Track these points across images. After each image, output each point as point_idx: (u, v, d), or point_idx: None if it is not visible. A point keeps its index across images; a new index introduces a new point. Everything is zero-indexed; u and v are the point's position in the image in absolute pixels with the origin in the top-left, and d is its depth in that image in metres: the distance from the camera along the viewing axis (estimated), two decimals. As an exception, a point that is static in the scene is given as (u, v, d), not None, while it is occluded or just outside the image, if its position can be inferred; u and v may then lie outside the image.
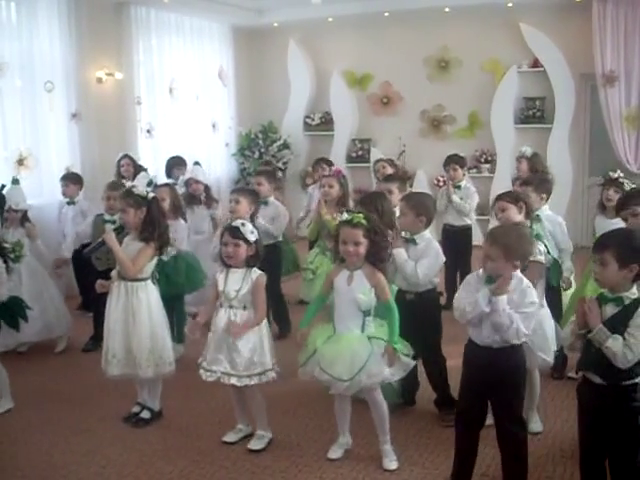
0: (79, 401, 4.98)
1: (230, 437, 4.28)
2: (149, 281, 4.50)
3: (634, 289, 3.09)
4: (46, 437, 4.42)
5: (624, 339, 2.97)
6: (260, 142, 10.99)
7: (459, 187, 7.00)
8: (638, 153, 9.25)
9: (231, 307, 4.06)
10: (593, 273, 3.22)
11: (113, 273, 4.51)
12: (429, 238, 4.43)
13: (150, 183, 6.26)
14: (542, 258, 4.13)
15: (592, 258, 3.18)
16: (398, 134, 10.53)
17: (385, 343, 3.80)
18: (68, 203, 6.92)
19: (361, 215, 3.88)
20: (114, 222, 5.65)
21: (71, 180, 6.93)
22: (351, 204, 5.91)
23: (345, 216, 3.90)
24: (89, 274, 6.08)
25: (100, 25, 8.39)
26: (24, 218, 5.94)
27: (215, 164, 10.63)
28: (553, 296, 4.49)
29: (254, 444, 4.18)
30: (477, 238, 7.52)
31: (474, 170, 10.03)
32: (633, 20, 8.94)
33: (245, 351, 4.01)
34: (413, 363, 3.96)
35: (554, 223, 5.07)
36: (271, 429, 4.27)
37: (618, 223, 4.61)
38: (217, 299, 4.12)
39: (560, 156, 9.56)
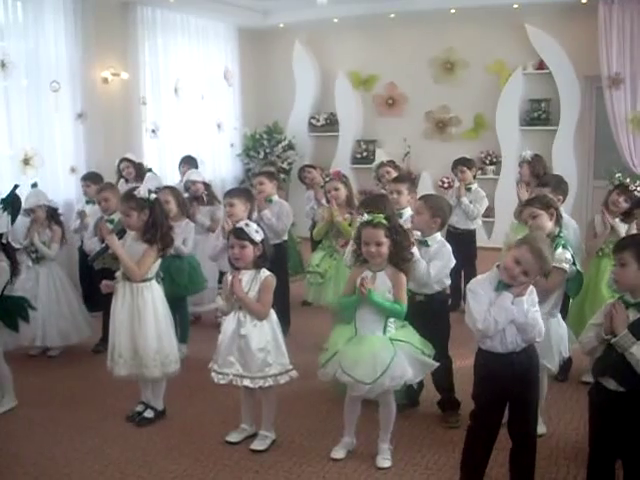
0: (82, 400, 4.99)
1: (233, 437, 4.28)
2: (154, 281, 4.50)
3: None
4: (49, 435, 4.43)
5: None
6: (265, 142, 11.00)
7: (469, 189, 6.96)
8: (644, 155, 9.23)
9: (240, 309, 4.06)
10: (612, 274, 3.19)
11: (118, 274, 4.51)
12: (442, 240, 4.42)
13: (158, 189, 6.29)
14: (567, 266, 4.03)
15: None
16: (403, 135, 10.53)
17: (410, 346, 3.83)
18: (87, 202, 6.89)
19: (381, 215, 3.90)
20: (112, 221, 5.67)
21: (91, 180, 6.89)
22: (356, 204, 5.92)
23: (366, 217, 3.92)
24: (93, 275, 6.10)
25: (106, 25, 8.41)
26: (53, 219, 5.94)
27: (220, 164, 10.64)
28: (562, 304, 4.45)
29: (257, 444, 4.17)
30: (482, 240, 7.51)
31: (479, 172, 9.98)
32: (639, 22, 8.92)
33: (257, 352, 4.01)
34: (436, 364, 3.97)
35: (569, 228, 5.05)
36: (275, 429, 4.27)
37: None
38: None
39: (565, 158, 9.55)
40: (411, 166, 10.48)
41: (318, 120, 11.25)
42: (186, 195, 6.62)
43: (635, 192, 5.13)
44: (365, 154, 10.95)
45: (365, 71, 10.95)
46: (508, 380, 3.38)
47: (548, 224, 4.18)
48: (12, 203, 4.74)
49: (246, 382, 4.05)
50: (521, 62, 9.95)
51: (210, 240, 6.14)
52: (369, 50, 10.77)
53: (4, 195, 4.94)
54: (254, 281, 4.05)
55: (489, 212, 8.87)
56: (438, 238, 4.42)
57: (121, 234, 4.48)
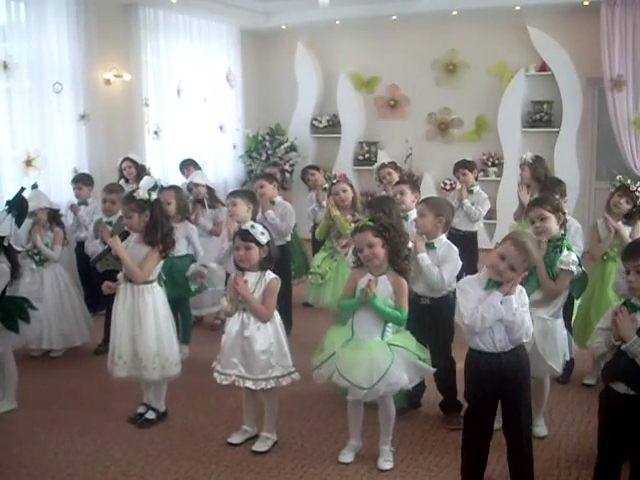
0: (85, 401, 5.00)
1: (235, 438, 4.28)
2: (155, 283, 4.51)
3: None
4: (52, 436, 4.43)
5: None
6: (267, 144, 11.00)
7: (471, 192, 6.95)
8: (646, 157, 9.23)
9: (245, 310, 4.07)
10: (621, 279, 3.18)
11: (120, 275, 4.52)
12: (447, 242, 4.43)
13: (155, 187, 6.28)
14: (574, 268, 4.03)
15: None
16: (405, 137, 10.53)
17: (407, 351, 3.83)
18: (79, 204, 6.90)
19: (366, 218, 3.92)
20: (111, 223, 5.67)
21: (83, 182, 6.90)
22: (359, 206, 5.92)
23: (353, 226, 3.95)
24: (93, 276, 6.11)
25: (108, 26, 8.42)
26: (54, 221, 5.95)
27: (222, 166, 10.65)
28: (565, 305, 4.46)
29: (259, 446, 4.17)
30: (484, 242, 7.50)
31: (481, 174, 9.99)
32: (642, 24, 8.93)
33: (260, 354, 4.01)
34: (432, 370, 3.98)
35: (571, 227, 5.05)
36: (276, 431, 4.27)
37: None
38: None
39: (567, 160, 9.55)
40: (413, 168, 10.47)
41: (320, 122, 11.25)
42: (189, 197, 6.64)
43: (636, 193, 5.13)
44: (367, 156, 10.95)
45: (367, 73, 10.96)
46: (497, 379, 3.40)
47: (555, 227, 4.18)
48: (18, 206, 4.72)
49: (248, 383, 4.05)
50: (523, 64, 9.95)
51: (214, 243, 6.15)
52: (371, 52, 10.78)
53: (9, 198, 4.94)
54: (259, 283, 4.05)
55: (491, 214, 8.87)
56: (443, 240, 4.42)
57: (124, 236, 4.49)
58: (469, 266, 6.83)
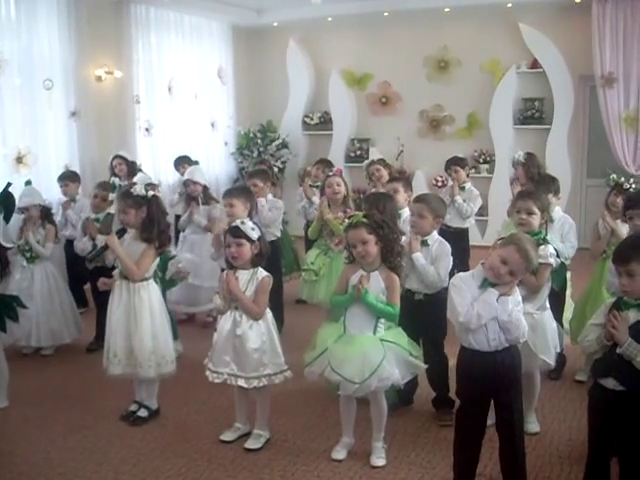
0: (77, 399, 4.98)
1: (228, 436, 4.27)
2: (151, 280, 4.50)
3: None
4: (43, 435, 4.41)
5: None
6: (259, 141, 11.00)
7: (463, 188, 6.96)
8: (637, 154, 9.25)
9: (237, 308, 4.06)
10: (621, 286, 3.17)
11: (115, 272, 4.50)
12: (439, 239, 4.44)
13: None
14: (552, 260, 4.08)
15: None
16: (397, 134, 10.54)
17: (399, 347, 3.83)
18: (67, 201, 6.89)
19: (359, 214, 3.92)
20: (98, 220, 5.65)
21: (70, 179, 6.90)
22: (350, 203, 5.92)
23: (346, 222, 3.96)
24: (80, 272, 6.10)
25: (99, 23, 8.39)
26: (46, 218, 5.93)
27: (214, 163, 10.65)
28: (554, 299, 4.48)
29: (251, 443, 4.17)
30: (475, 239, 7.52)
31: (472, 170, 10.00)
32: (632, 22, 8.95)
33: (252, 352, 4.01)
34: (424, 366, 3.98)
35: (565, 224, 5.08)
36: (269, 428, 4.27)
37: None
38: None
39: (559, 157, 9.57)
40: (405, 165, 10.49)
41: (312, 119, 11.25)
42: (180, 192, 6.63)
43: (631, 189, 5.15)
44: (359, 153, 10.95)
45: (359, 70, 10.96)
46: (490, 378, 3.39)
47: (537, 225, 4.25)
48: (5, 202, 4.69)
49: (240, 382, 4.04)
50: (515, 61, 9.97)
51: (208, 239, 6.14)
52: (363, 49, 10.78)
53: (-2, 195, 4.91)
54: (251, 281, 4.05)
55: (482, 211, 8.88)
56: (435, 237, 4.43)
57: (121, 233, 4.47)
58: (460, 263, 6.84)
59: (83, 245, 5.85)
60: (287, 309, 6.34)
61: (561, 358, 4.74)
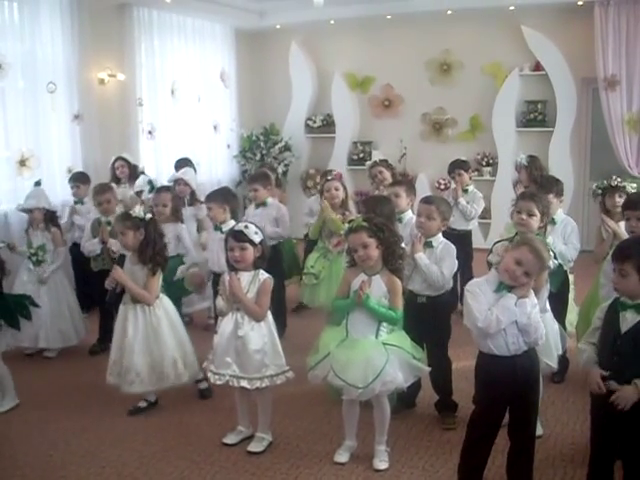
0: (79, 401, 4.98)
1: (230, 439, 4.28)
2: (161, 295, 4.62)
3: None
4: (46, 437, 4.42)
5: None
6: (261, 144, 10.99)
7: (466, 191, 6.96)
8: (639, 157, 9.23)
9: (238, 310, 4.06)
10: (612, 282, 3.19)
11: (126, 299, 4.57)
12: (444, 240, 4.44)
13: (151, 183, 6.28)
14: (550, 263, 4.10)
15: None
16: (399, 137, 10.53)
17: (402, 351, 3.82)
18: (75, 203, 6.89)
19: (360, 218, 3.92)
20: (109, 223, 5.67)
21: (80, 180, 6.90)
22: (351, 205, 5.92)
23: (346, 226, 3.97)
24: (88, 276, 6.10)
25: (102, 26, 8.39)
26: (51, 222, 5.94)
27: (216, 166, 10.64)
28: (556, 302, 4.47)
29: (254, 446, 4.17)
30: (478, 241, 7.51)
31: (475, 173, 10.00)
32: (635, 24, 8.93)
33: (254, 353, 4.01)
34: (427, 369, 3.98)
35: (567, 226, 5.08)
36: (271, 431, 4.26)
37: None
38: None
39: (561, 160, 9.56)
40: (407, 168, 10.49)
41: (315, 121, 11.25)
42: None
43: (624, 185, 5.19)
44: (361, 155, 10.93)
45: (361, 72, 10.95)
46: (510, 383, 3.38)
47: (535, 227, 4.30)
48: None
49: (243, 383, 4.05)
50: (517, 64, 9.95)
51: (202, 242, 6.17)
52: (365, 52, 10.77)
53: (2, 198, 4.95)
54: (253, 283, 4.05)
55: (485, 213, 8.87)
56: (440, 238, 4.44)
57: (121, 261, 4.55)
58: (464, 265, 6.86)
59: (92, 246, 5.88)
60: (288, 313, 6.34)
61: (564, 361, 4.72)
